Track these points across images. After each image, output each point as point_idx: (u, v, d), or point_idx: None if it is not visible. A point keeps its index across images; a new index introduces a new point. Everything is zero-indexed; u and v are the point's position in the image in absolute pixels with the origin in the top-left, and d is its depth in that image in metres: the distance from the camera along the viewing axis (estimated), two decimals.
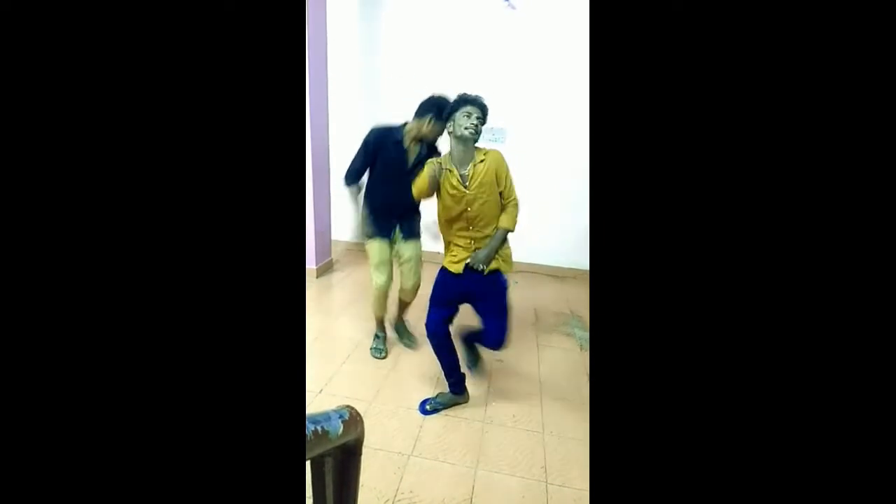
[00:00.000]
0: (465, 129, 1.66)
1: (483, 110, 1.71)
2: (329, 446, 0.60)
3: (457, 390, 1.90)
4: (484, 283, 1.75)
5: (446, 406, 1.90)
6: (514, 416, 1.87)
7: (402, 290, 2.27)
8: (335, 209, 3.34)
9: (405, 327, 2.44)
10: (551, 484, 1.52)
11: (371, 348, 2.29)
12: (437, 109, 1.89)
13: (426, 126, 1.92)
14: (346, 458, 0.68)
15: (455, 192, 1.70)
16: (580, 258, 3.54)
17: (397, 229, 2.13)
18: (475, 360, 2.03)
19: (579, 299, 3.14)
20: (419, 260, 2.20)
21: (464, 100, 1.71)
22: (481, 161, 1.70)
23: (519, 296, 3.14)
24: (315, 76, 2.86)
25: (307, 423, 0.55)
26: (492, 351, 1.87)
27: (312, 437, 0.55)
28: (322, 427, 0.58)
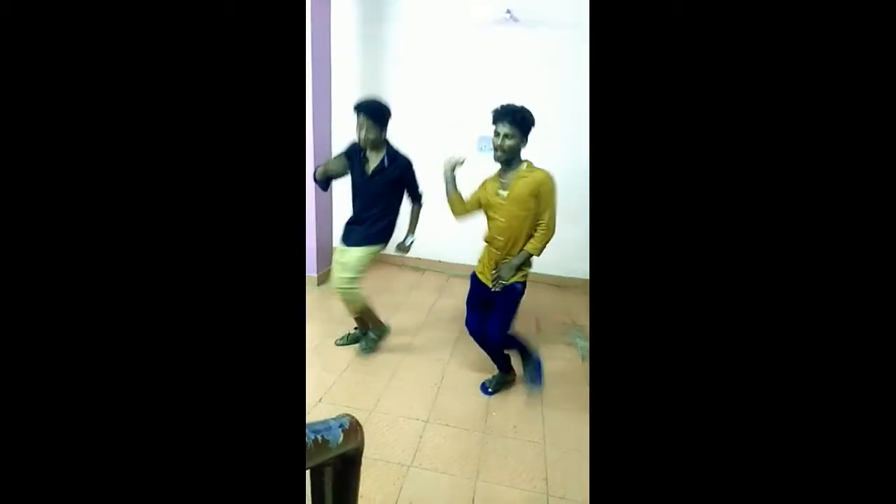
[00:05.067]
0: (495, 151, 1.73)
1: (518, 124, 1.68)
2: (329, 455, 0.60)
3: (505, 370, 2.06)
4: (500, 291, 1.87)
5: (500, 384, 2.06)
6: (514, 426, 1.85)
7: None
8: (337, 217, 3.35)
9: (364, 333, 2.35)
10: (552, 496, 1.50)
11: (360, 346, 2.34)
12: (370, 112, 1.94)
13: (360, 132, 1.98)
14: (346, 467, 0.67)
15: (492, 199, 1.82)
16: (582, 268, 3.53)
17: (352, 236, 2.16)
18: (533, 371, 2.06)
19: (581, 309, 3.13)
20: (354, 270, 2.09)
21: (494, 116, 1.71)
22: (524, 177, 1.74)
23: (521, 305, 3.13)
24: (318, 84, 2.89)
25: (307, 432, 0.55)
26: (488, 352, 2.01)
27: (312, 447, 0.54)
28: (322, 436, 0.57)
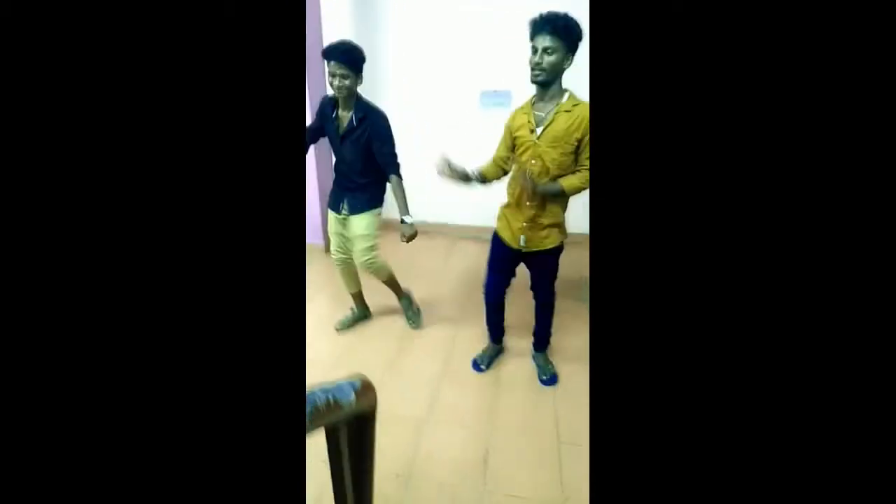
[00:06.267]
0: (532, 69, 1.37)
1: (561, 35, 1.31)
2: (342, 415, 0.61)
3: (496, 341, 2.00)
4: (539, 254, 1.64)
5: (493, 356, 1.99)
6: (527, 380, 1.90)
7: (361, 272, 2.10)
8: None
9: (408, 303, 2.27)
10: (564, 443, 1.56)
11: (338, 322, 2.22)
12: (343, 57, 1.66)
13: (334, 82, 1.70)
14: (361, 426, 0.69)
15: (523, 136, 1.46)
16: None
17: (344, 203, 1.96)
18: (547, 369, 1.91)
19: None
20: (369, 237, 1.97)
21: (532, 29, 1.36)
22: (567, 111, 1.39)
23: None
24: (311, 36, 2.78)
25: (320, 393, 0.55)
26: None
27: (324, 408, 0.55)
28: (334, 396, 0.58)
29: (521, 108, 1.53)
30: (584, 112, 1.38)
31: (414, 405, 1.73)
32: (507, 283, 1.80)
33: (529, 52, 1.37)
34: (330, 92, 1.83)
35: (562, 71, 1.39)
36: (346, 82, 1.69)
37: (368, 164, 1.88)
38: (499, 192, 1.76)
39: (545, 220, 1.56)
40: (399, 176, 1.87)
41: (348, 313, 2.27)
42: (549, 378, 1.88)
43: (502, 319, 1.95)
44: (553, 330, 1.96)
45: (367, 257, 1.98)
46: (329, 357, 2.04)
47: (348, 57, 1.66)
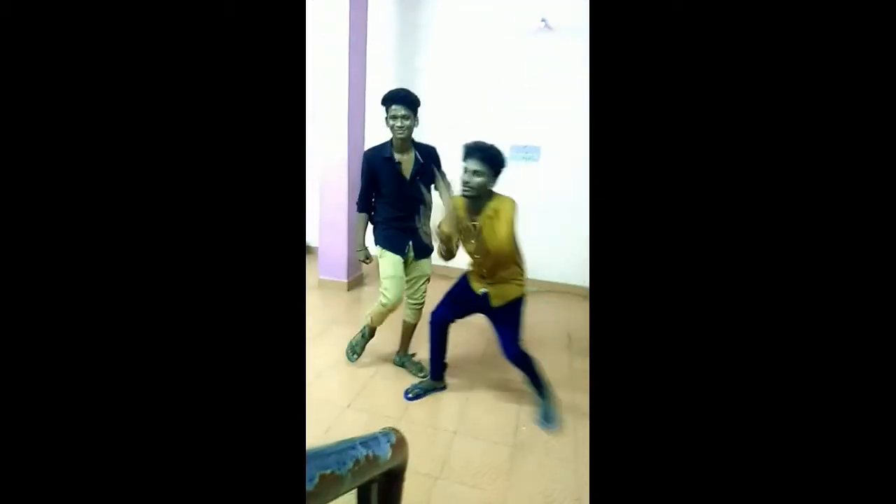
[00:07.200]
0: (462, 186, 1.65)
1: (489, 162, 1.62)
2: (377, 472, 0.59)
3: (435, 377, 2.07)
4: (501, 307, 1.80)
5: (426, 391, 2.06)
6: (545, 442, 1.81)
7: (406, 313, 2.15)
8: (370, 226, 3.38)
9: (411, 360, 2.26)
10: None
11: (348, 345, 2.25)
12: (409, 102, 1.88)
13: (398, 124, 1.89)
14: (391, 482, 0.67)
15: (464, 232, 1.74)
16: None
17: (410, 245, 2.05)
18: (549, 411, 1.92)
19: None
20: (428, 280, 2.15)
21: (466, 151, 1.66)
22: (490, 217, 1.66)
23: (551, 318, 3.05)
24: (354, 91, 2.94)
25: (361, 447, 0.54)
26: (510, 362, 1.86)
27: (364, 462, 0.53)
28: (373, 452, 0.56)
29: (461, 208, 1.73)
30: (502, 206, 1.63)
31: (427, 460, 1.66)
32: (453, 319, 1.95)
33: (463, 175, 1.65)
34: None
35: (487, 189, 1.67)
36: (407, 122, 1.89)
37: (424, 197, 2.00)
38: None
39: (504, 274, 1.78)
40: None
41: (355, 339, 2.27)
42: (545, 418, 1.89)
43: (444, 353, 2.02)
44: (574, 391, 1.88)
45: (422, 298, 2.13)
46: (343, 397, 1.99)
47: (409, 100, 1.88)
